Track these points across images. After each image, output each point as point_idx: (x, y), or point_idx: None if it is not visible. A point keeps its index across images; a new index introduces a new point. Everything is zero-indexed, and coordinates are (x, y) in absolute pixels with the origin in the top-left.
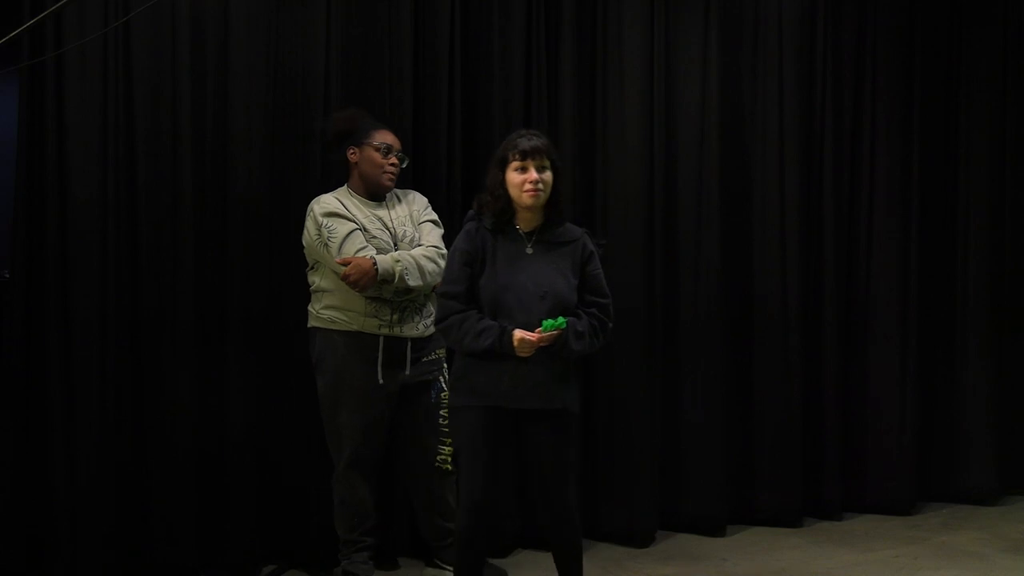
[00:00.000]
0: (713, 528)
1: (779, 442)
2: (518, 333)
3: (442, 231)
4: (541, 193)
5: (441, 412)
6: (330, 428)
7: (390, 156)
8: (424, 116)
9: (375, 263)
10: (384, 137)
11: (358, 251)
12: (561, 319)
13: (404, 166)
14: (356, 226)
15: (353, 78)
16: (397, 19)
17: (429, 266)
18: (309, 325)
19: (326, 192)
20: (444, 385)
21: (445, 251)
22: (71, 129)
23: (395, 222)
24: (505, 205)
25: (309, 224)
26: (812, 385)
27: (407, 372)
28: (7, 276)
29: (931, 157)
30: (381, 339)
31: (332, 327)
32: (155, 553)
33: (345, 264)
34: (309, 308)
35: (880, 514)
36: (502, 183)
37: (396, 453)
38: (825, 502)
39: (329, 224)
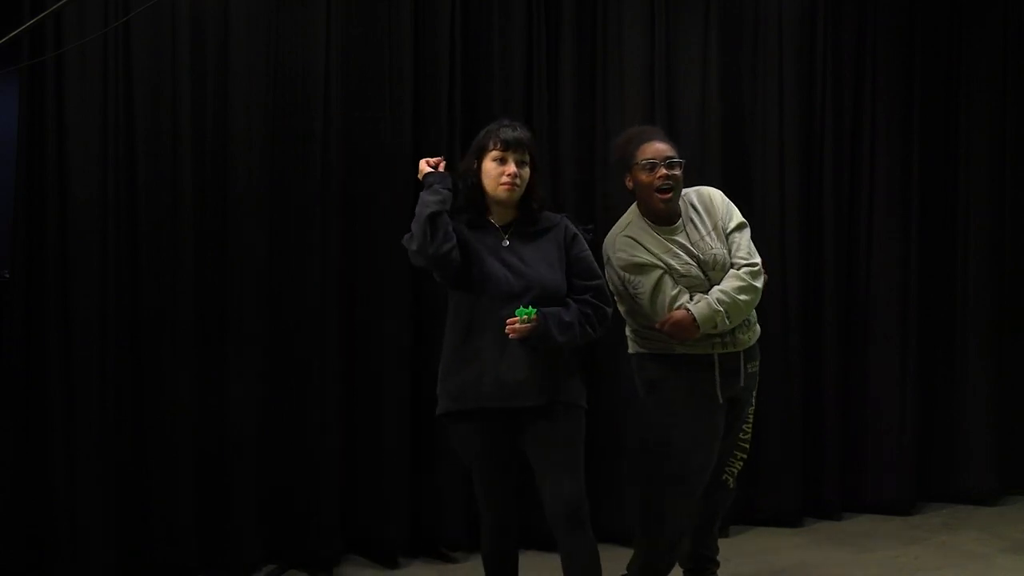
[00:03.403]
0: None
1: (779, 442)
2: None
3: (749, 230)
4: (517, 188)
5: (744, 427)
6: (661, 448)
7: (657, 169)
8: (424, 116)
9: (694, 318)
10: (645, 152)
11: (671, 299)
12: (532, 308)
13: (675, 172)
14: (661, 269)
15: (353, 78)
16: (397, 19)
17: (747, 298)
18: (632, 351)
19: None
20: (753, 400)
21: (757, 260)
22: (71, 129)
23: (698, 247)
24: (477, 195)
25: (610, 273)
26: (812, 385)
27: (741, 384)
28: (7, 276)
29: (931, 157)
30: (716, 356)
31: (659, 352)
32: (155, 553)
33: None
34: (629, 334)
35: (880, 514)
36: (476, 171)
37: None
38: (825, 502)
39: (631, 279)
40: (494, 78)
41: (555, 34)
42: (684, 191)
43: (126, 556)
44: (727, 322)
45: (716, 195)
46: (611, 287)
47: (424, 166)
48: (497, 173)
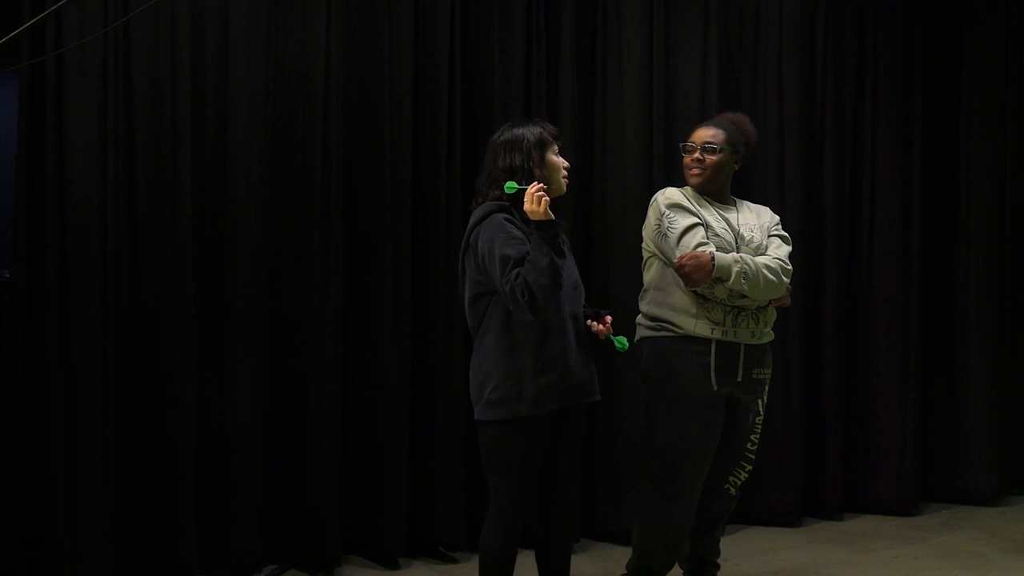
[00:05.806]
0: None
1: (779, 442)
2: (533, 196)
3: (790, 248)
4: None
5: (751, 437)
6: (653, 443)
7: (694, 152)
8: (424, 117)
9: (713, 257)
10: (692, 136)
11: (697, 246)
12: (626, 343)
13: (706, 157)
14: (699, 221)
15: (353, 78)
16: (397, 19)
17: (770, 277)
18: (637, 338)
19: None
20: (761, 409)
21: (791, 267)
22: (71, 129)
23: (742, 226)
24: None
25: (651, 214)
26: (812, 385)
27: (739, 379)
28: (7, 276)
29: (931, 157)
30: (713, 343)
31: (659, 334)
32: (155, 553)
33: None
34: (638, 319)
35: (880, 514)
36: (544, 166)
37: None
38: (825, 502)
39: (671, 215)
40: (494, 78)
41: (555, 34)
42: (748, 202)
43: (126, 556)
44: (743, 284)
45: (774, 215)
46: (645, 234)
47: (541, 205)
48: (563, 166)
